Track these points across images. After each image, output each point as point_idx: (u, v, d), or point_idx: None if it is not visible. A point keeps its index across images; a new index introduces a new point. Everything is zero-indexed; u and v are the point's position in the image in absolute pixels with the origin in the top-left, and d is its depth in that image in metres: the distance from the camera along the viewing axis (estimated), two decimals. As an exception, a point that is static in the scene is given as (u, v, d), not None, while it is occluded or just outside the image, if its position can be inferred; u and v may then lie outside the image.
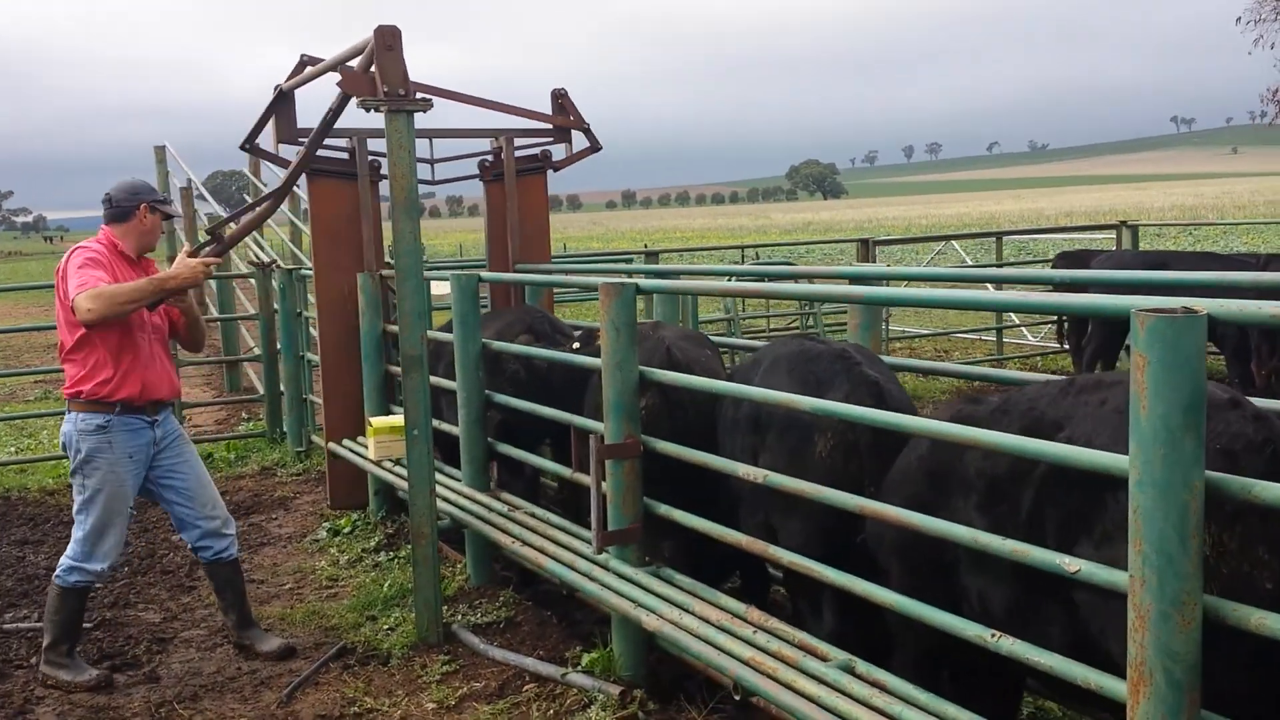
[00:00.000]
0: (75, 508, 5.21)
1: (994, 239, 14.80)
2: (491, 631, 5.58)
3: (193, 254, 5.27)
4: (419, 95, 5.33)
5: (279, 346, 10.05)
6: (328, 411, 7.91)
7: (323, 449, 9.42)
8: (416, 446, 5.33)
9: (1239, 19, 31.04)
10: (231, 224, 5.85)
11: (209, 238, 5.49)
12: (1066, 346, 13.16)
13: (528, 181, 8.13)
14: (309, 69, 6.84)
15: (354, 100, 5.41)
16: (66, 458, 9.38)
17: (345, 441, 7.67)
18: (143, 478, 5.26)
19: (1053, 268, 12.82)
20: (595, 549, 4.62)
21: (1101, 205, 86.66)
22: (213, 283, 13.04)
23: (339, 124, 7.67)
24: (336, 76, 6.90)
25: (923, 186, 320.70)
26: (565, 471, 5.42)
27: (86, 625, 6.01)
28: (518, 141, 8.03)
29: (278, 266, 9.88)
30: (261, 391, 10.61)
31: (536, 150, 8.18)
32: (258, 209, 5.71)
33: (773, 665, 3.49)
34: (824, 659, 3.55)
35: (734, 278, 5.71)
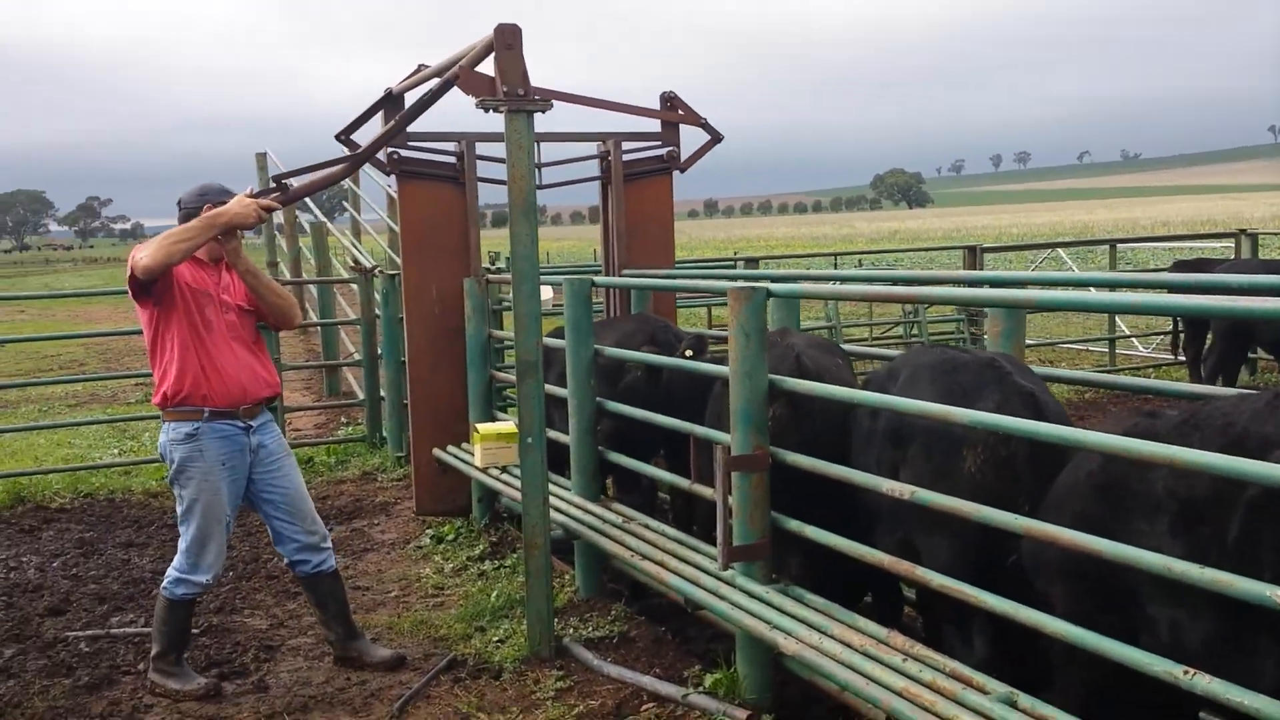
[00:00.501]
0: (178, 519, 5.13)
1: (1106, 246, 14.28)
2: (604, 647, 5.39)
3: (253, 195, 5.06)
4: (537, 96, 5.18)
5: (379, 351, 10.01)
6: (415, 417, 7.81)
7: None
8: (531, 455, 5.16)
9: None
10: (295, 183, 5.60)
11: (274, 184, 5.32)
12: (1182, 358, 12.68)
13: (652, 184, 7.95)
14: (425, 70, 6.74)
15: (473, 101, 5.28)
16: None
17: (450, 448, 7.55)
18: (243, 485, 5.14)
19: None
20: (721, 565, 4.41)
21: (1199, 215, 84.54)
22: (313, 288, 13.11)
23: (445, 128, 7.64)
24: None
25: (1011, 196, 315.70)
26: (684, 483, 5.23)
27: (193, 631, 5.96)
28: (629, 145, 7.85)
29: (380, 272, 9.83)
30: (361, 396, 10.57)
31: (662, 151, 7.97)
32: (331, 169, 5.50)
33: (930, 698, 3.24)
34: (983, 691, 3.30)
35: (877, 282, 5.44)
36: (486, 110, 5.10)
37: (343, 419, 11.93)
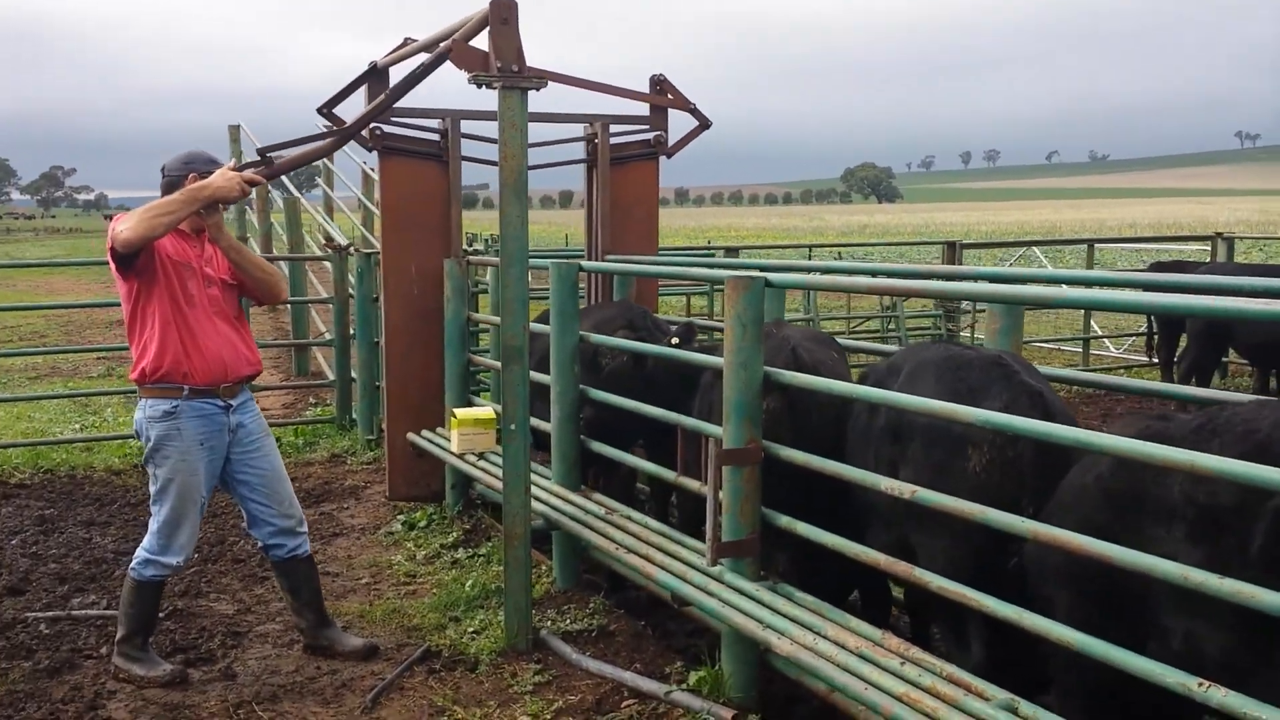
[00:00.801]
0: (150, 499, 4.94)
1: (1082, 246, 14.27)
2: (583, 640, 5.27)
3: (237, 169, 4.88)
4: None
5: (351, 331, 9.83)
6: (390, 399, 7.65)
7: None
8: (514, 443, 5.02)
9: None
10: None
11: (258, 157, 5.14)
12: (1155, 360, 12.71)
13: (638, 168, 7.80)
14: (412, 44, 6.56)
15: (459, 77, 5.12)
16: (132, 437, 9.34)
17: (424, 432, 7.40)
18: (220, 466, 4.97)
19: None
20: (709, 560, 4.30)
21: (1166, 218, 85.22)
22: (284, 265, 12.86)
23: (430, 104, 7.46)
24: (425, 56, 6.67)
25: (980, 194, 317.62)
26: (669, 475, 5.11)
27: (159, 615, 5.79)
28: (615, 128, 7.70)
29: (356, 250, 9.64)
30: (331, 377, 10.38)
31: (649, 136, 7.83)
32: (317, 143, 5.32)
33: (931, 704, 3.15)
34: (983, 697, 3.21)
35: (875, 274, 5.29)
36: (480, 86, 4.95)
37: (311, 399, 11.73)
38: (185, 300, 4.76)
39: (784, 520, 4.24)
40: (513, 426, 5.03)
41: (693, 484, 4.85)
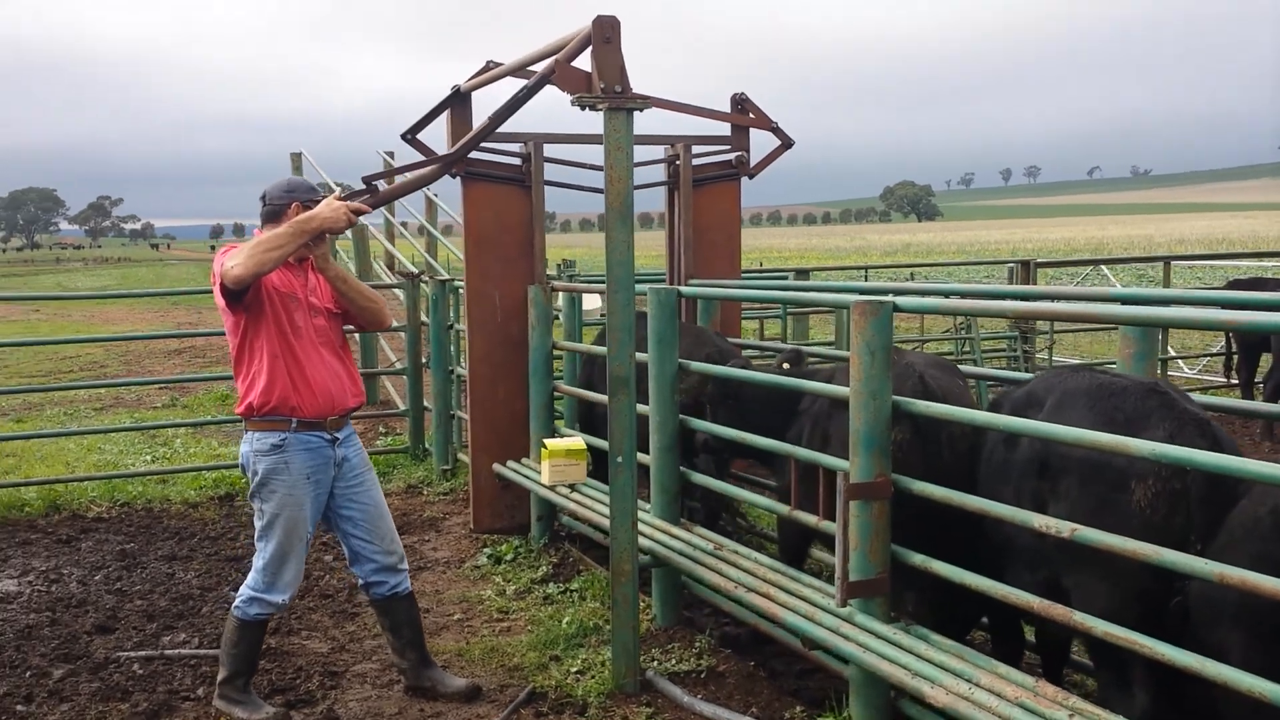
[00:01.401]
0: (256, 534, 4.83)
1: (1161, 264, 13.98)
2: (691, 681, 5.09)
3: (342, 199, 4.77)
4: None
5: (423, 360, 9.73)
6: (474, 429, 7.51)
7: (469, 468, 9.08)
8: (620, 476, 4.87)
9: None
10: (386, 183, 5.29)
11: (364, 185, 5.02)
12: (1233, 380, 12.38)
13: (718, 189, 7.66)
14: (497, 68, 6.46)
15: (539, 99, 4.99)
16: (207, 469, 9.26)
17: (510, 463, 7.25)
18: (324, 501, 4.86)
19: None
20: (839, 601, 4.11)
21: (1213, 233, 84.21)
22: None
23: (510, 128, 7.35)
24: (514, 81, 6.56)
25: (1021, 210, 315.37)
26: (782, 509, 4.93)
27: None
28: (695, 149, 7.56)
29: (430, 277, 9.54)
30: (403, 406, 10.27)
31: (730, 156, 7.69)
32: (420, 171, 5.20)
33: (1112, 761, 2.94)
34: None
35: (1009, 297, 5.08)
36: (583, 108, 4.82)
37: (381, 429, 11.65)
38: (292, 332, 4.66)
39: (918, 558, 4.05)
40: (619, 459, 4.87)
41: (810, 519, 4.67)
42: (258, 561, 4.79)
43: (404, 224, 15.45)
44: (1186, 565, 3.03)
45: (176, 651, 5.71)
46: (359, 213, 4.77)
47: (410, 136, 6.95)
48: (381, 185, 5.12)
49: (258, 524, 4.79)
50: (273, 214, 4.77)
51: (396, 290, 10.88)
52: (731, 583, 4.70)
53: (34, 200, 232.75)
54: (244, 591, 4.82)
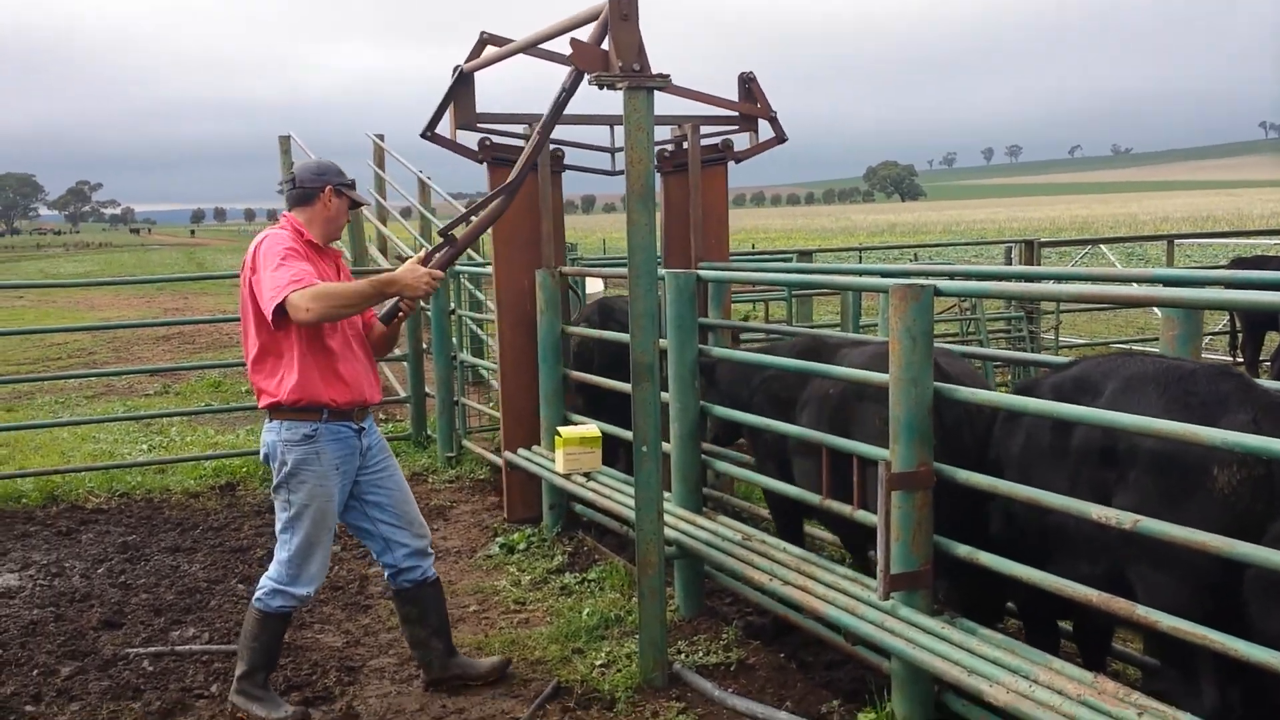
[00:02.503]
0: (279, 525, 4.65)
1: (1164, 242, 13.89)
2: (721, 675, 4.98)
3: (424, 260, 4.68)
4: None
5: (425, 346, 9.57)
6: (506, 417, 7.35)
7: (474, 455, 8.95)
8: (646, 465, 4.73)
9: None
10: (464, 224, 5.14)
11: (441, 239, 4.88)
12: (1238, 360, 12.32)
13: (707, 173, 7.50)
14: (499, 45, 6.30)
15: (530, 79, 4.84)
16: (206, 459, 9.10)
17: (521, 451, 7.11)
18: (348, 492, 4.73)
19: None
20: (881, 594, 3.99)
21: (1197, 211, 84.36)
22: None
23: (515, 108, 7.20)
24: (523, 58, 6.40)
25: (1003, 190, 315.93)
26: (814, 499, 4.81)
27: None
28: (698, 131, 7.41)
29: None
30: (403, 393, 10.12)
31: (716, 141, 7.56)
32: (491, 205, 5.05)
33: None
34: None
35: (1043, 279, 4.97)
36: (601, 87, 4.65)
37: (380, 415, 11.50)
38: (328, 329, 4.54)
39: (963, 550, 3.94)
40: (644, 448, 4.74)
41: (844, 509, 4.55)
42: (281, 554, 4.63)
43: (395, 207, 15.19)
44: (1264, 558, 2.92)
45: (187, 647, 5.57)
46: (439, 279, 4.67)
47: (430, 134, 6.80)
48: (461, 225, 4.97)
49: (282, 515, 4.62)
50: (304, 197, 4.65)
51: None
52: (766, 575, 4.58)
53: (12, 186, 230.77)
54: (265, 584, 4.67)
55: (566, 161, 7.41)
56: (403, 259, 10.24)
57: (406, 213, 15.06)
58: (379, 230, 14.61)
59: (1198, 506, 3.21)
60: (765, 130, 7.62)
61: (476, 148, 7.04)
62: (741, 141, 7.63)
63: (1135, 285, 5.61)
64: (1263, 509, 3.16)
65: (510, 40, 6.67)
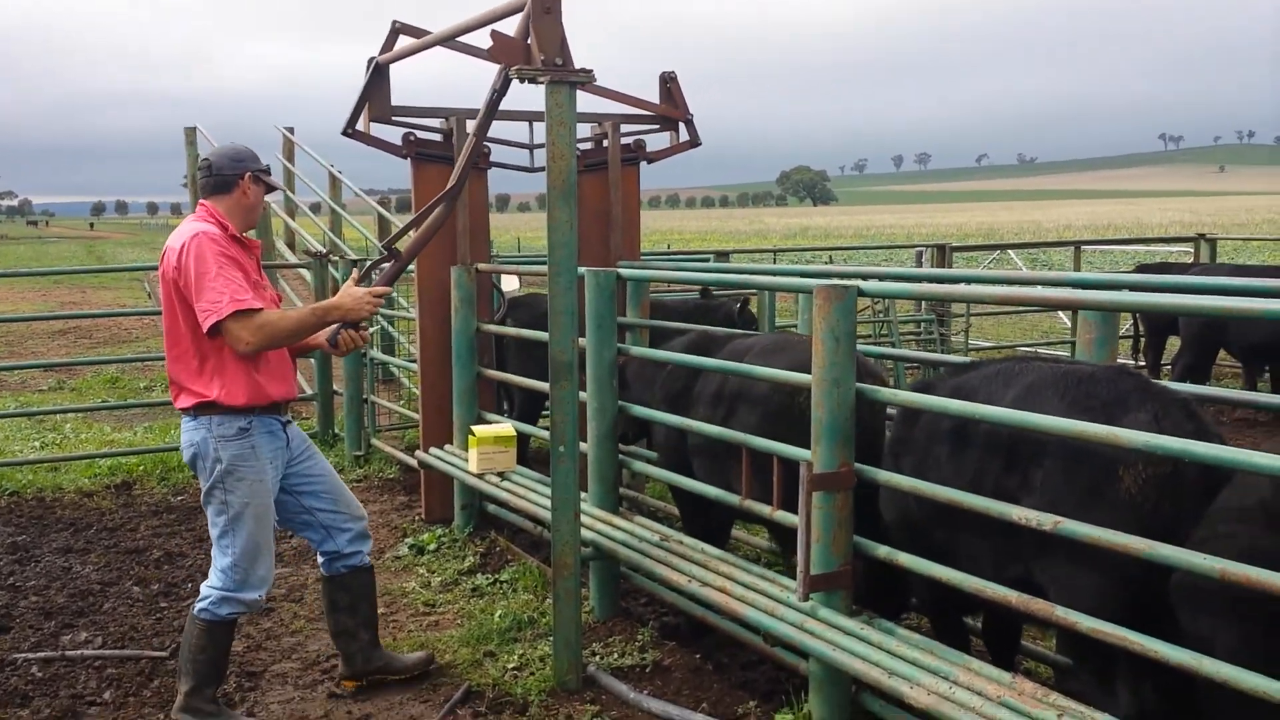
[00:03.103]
0: (217, 531, 4.38)
1: (1068, 248, 14.15)
2: (636, 677, 4.89)
3: (360, 280, 4.54)
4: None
5: (333, 342, 9.35)
6: (425, 416, 7.18)
7: (383, 454, 8.77)
8: (563, 465, 4.64)
9: None
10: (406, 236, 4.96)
11: (382, 254, 4.72)
12: (1141, 363, 12.59)
13: (600, 175, 7.38)
14: (413, 38, 6.15)
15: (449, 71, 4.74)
16: (102, 457, 8.76)
17: (433, 450, 6.96)
18: (279, 487, 4.54)
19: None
20: (800, 595, 3.94)
21: (1097, 219, 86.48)
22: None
23: (433, 103, 7.04)
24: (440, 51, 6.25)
25: (913, 196, 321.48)
26: (732, 499, 4.75)
27: (160, 654, 5.33)
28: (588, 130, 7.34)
29: (340, 257, 9.17)
30: (310, 391, 9.87)
31: (629, 140, 7.48)
32: (432, 216, 4.89)
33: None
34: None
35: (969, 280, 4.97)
36: (522, 81, 4.55)
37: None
38: None
39: (883, 550, 3.91)
40: (561, 448, 4.64)
41: (763, 509, 4.50)
42: (224, 560, 4.38)
43: (305, 202, 14.88)
44: (1185, 561, 2.92)
45: (79, 652, 5.34)
46: (382, 297, 4.52)
47: (351, 131, 6.64)
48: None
49: (220, 519, 4.36)
50: (221, 185, 4.45)
51: (302, 270, 10.47)
52: (685, 577, 4.50)
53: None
54: (209, 592, 4.41)
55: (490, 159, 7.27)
56: (310, 254, 10.03)
57: (316, 208, 14.76)
58: (287, 225, 14.29)
59: (1104, 508, 3.20)
60: (685, 132, 7.58)
61: (400, 143, 6.87)
62: (655, 142, 7.58)
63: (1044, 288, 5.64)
64: (1168, 511, 3.16)
65: (425, 31, 6.53)
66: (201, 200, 4.54)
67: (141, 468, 8.84)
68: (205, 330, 4.18)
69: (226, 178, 4.44)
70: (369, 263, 4.70)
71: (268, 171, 4.66)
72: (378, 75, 6.57)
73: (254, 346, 4.20)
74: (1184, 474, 3.17)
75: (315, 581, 6.27)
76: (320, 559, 4.83)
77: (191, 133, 14.20)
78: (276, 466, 4.43)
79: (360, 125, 6.76)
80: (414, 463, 7.23)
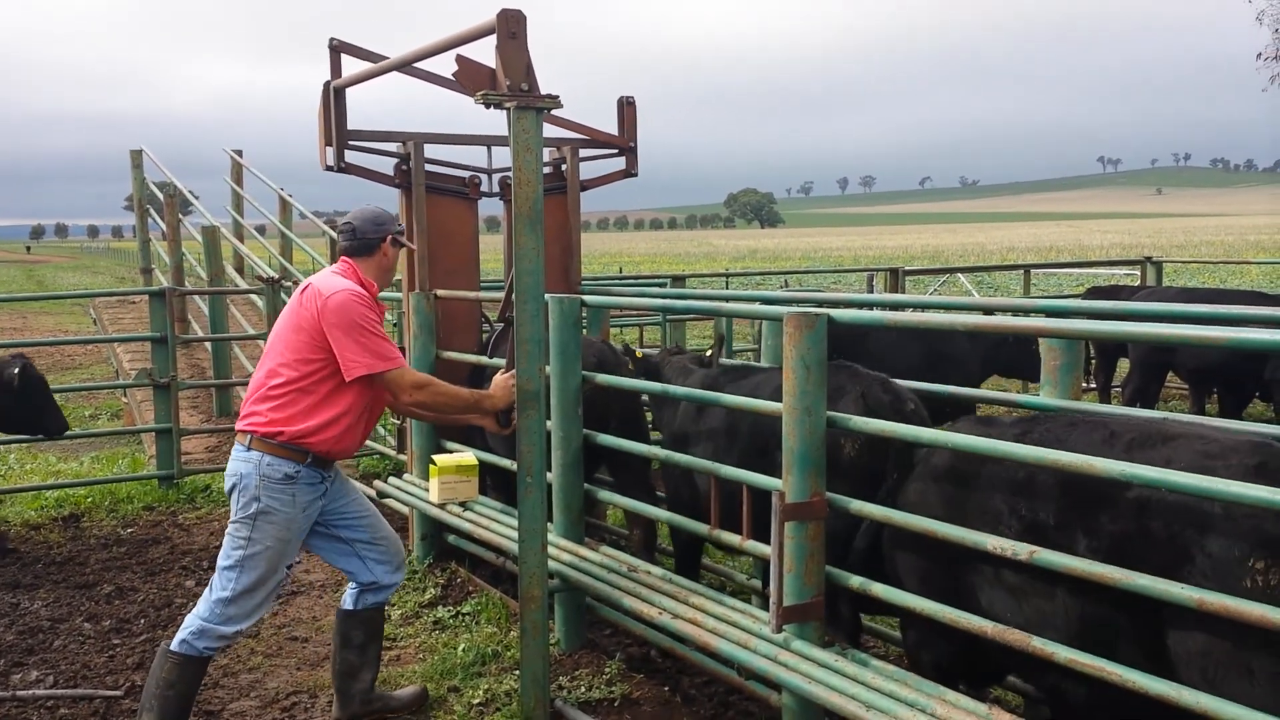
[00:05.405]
0: (227, 561, 4.32)
1: (1021, 271, 14.30)
2: (605, 710, 4.84)
3: (492, 338, 4.63)
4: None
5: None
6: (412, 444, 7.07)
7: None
8: (531, 496, 4.58)
9: (1259, 55, 31.12)
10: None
11: (503, 320, 4.82)
12: (1092, 385, 12.73)
13: (556, 200, 7.27)
14: (385, 61, 6.08)
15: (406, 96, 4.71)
16: (48, 489, 8.56)
17: (391, 480, 6.86)
18: (311, 526, 4.54)
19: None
20: (773, 626, 3.91)
21: (1040, 241, 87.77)
22: (201, 299, 12.05)
23: (391, 126, 6.97)
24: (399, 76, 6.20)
25: (858, 218, 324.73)
26: (702, 529, 4.71)
27: (115, 693, 5.19)
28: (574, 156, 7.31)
29: (294, 281, 9.03)
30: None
31: (564, 167, 7.38)
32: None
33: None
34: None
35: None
36: (488, 106, 4.50)
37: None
38: (383, 394, 4.55)
39: (856, 581, 3.88)
40: (529, 479, 4.58)
41: (732, 539, 4.47)
42: (222, 591, 4.31)
43: (254, 225, 14.68)
44: (1162, 592, 2.91)
45: (30, 692, 5.19)
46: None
47: (342, 165, 6.59)
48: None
49: (235, 552, 4.30)
50: (365, 248, 4.60)
51: (254, 296, 10.30)
52: (655, 609, 4.45)
53: None
54: (193, 623, 4.33)
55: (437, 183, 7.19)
56: (262, 279, 9.88)
57: (261, 230, 14.56)
58: (236, 249, 14.09)
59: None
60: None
61: (392, 172, 6.84)
62: (590, 170, 7.53)
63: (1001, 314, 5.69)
64: (879, 466, 4.02)
65: (366, 50, 6.49)
66: (345, 258, 4.63)
67: (90, 499, 8.65)
68: (351, 378, 4.28)
69: (370, 241, 4.59)
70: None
71: (402, 233, 4.77)
72: (338, 100, 6.49)
73: (423, 406, 4.54)
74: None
75: (273, 617, 6.15)
76: (350, 590, 4.80)
77: (138, 155, 13.98)
78: (309, 515, 4.44)
79: (321, 153, 6.67)
80: (372, 492, 7.11)
